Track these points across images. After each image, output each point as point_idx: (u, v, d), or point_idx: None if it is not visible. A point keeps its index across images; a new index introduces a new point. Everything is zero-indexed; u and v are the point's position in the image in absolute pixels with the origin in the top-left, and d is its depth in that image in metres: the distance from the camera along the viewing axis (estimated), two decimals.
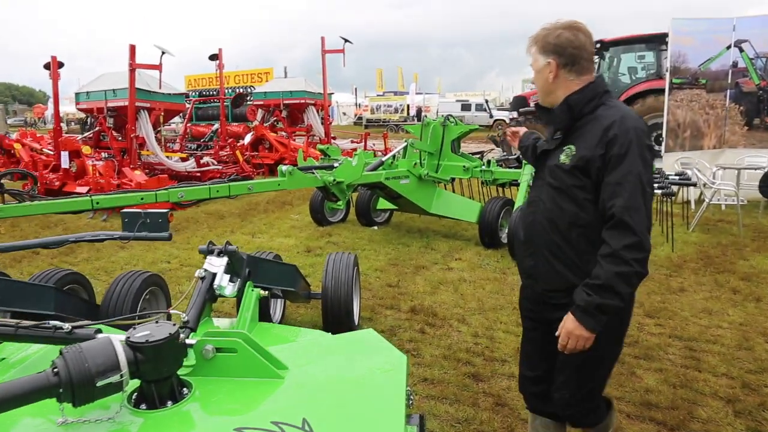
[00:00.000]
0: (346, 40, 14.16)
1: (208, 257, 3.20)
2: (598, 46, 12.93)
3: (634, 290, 2.02)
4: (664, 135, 9.42)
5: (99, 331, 1.76)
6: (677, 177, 6.95)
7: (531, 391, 2.43)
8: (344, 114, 49.35)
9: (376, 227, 8.12)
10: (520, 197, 6.41)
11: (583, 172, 2.00)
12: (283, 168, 5.56)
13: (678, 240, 6.75)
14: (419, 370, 3.73)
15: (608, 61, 13.69)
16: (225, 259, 3.15)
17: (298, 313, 4.81)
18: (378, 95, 52.28)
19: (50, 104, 33.73)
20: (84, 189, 9.84)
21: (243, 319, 3.06)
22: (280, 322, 4.50)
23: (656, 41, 13.03)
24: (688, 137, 9.56)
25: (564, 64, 2.06)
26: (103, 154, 10.83)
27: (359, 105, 50.58)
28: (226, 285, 3.04)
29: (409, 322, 4.58)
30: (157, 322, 1.74)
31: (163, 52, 9.71)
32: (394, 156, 7.71)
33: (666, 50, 12.54)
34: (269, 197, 10.72)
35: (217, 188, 5.15)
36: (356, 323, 4.38)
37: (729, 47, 9.38)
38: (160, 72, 10.01)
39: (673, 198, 7.50)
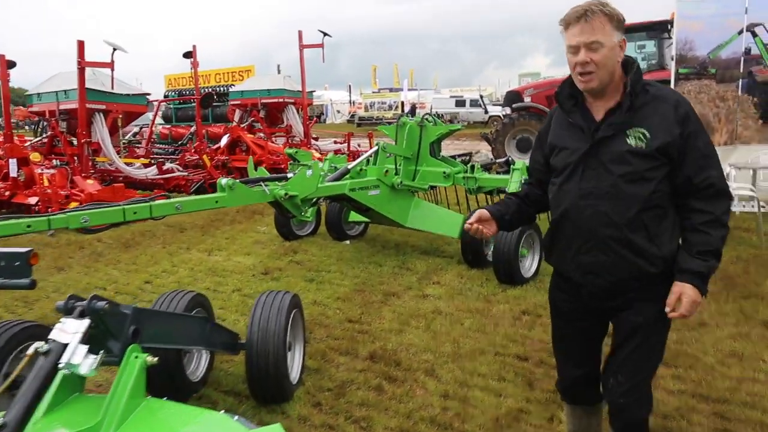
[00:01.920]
0: (325, 34, 13.18)
1: (62, 320, 2.34)
2: None
3: None
4: None
5: None
6: None
7: (576, 387, 2.42)
8: (338, 112, 48.43)
9: (348, 241, 7.21)
10: None
11: (664, 153, 1.97)
12: (223, 181, 4.63)
13: None
14: None
15: None
16: (86, 323, 2.31)
17: (230, 363, 3.90)
18: (373, 92, 51.36)
19: None
20: (34, 200, 8.96)
21: (116, 402, 2.20)
22: (203, 380, 3.62)
23: (658, 29, 12.15)
24: None
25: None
26: (55, 161, 9.90)
27: (353, 103, 49.60)
28: (80, 361, 2.20)
29: (365, 374, 3.67)
30: None
31: (114, 49, 8.77)
32: (367, 161, 6.79)
33: (669, 38, 11.64)
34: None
35: (134, 209, 4.19)
36: (295, 381, 3.49)
37: (741, 32, 8.38)
38: (113, 70, 9.07)
39: None
